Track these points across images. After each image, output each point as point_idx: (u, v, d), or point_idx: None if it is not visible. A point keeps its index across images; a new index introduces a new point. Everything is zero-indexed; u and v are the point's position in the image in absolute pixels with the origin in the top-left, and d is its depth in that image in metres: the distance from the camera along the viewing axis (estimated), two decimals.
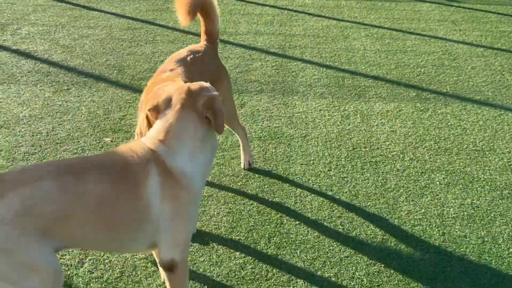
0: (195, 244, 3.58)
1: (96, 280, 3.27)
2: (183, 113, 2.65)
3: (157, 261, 2.80)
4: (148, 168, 2.54)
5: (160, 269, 3.05)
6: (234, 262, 3.44)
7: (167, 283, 2.79)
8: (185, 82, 3.36)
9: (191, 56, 3.67)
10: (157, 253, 2.77)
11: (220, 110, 2.65)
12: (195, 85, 2.75)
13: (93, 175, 2.45)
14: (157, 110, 2.74)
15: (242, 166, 4.42)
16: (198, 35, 7.46)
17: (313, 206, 3.96)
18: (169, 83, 3.15)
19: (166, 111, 2.70)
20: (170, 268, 2.73)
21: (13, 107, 5.27)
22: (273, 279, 3.31)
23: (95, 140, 4.74)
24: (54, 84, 5.77)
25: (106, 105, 5.33)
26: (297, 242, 3.62)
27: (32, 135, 4.79)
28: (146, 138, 2.70)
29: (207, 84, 2.79)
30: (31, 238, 2.30)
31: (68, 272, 3.30)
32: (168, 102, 2.71)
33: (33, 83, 5.79)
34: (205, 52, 3.89)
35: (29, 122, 5.00)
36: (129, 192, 2.51)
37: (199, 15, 3.96)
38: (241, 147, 4.42)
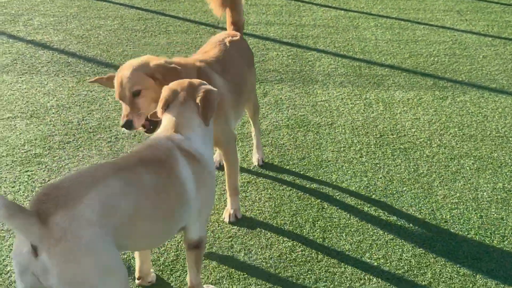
0: (243, 228, 3.66)
1: (153, 263, 3.33)
2: (187, 105, 2.84)
3: (185, 242, 2.88)
4: (174, 154, 2.65)
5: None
6: (283, 245, 3.52)
7: (190, 260, 2.91)
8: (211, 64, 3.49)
9: (229, 39, 3.77)
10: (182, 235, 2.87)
11: (210, 102, 2.82)
12: (195, 80, 2.94)
13: (142, 168, 2.52)
14: (166, 104, 2.89)
15: (256, 163, 4.39)
16: (210, 25, 7.55)
17: (350, 191, 4.05)
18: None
19: (171, 105, 2.86)
20: (197, 245, 2.87)
21: (39, 97, 5.29)
22: (323, 261, 3.40)
23: None
24: (75, 74, 5.79)
25: None
26: (341, 225, 3.71)
27: (64, 124, 4.82)
28: (159, 132, 2.82)
29: (204, 82, 2.97)
30: (111, 238, 2.32)
31: (124, 256, 3.36)
32: (174, 94, 2.88)
33: (55, 73, 5.81)
34: (241, 39, 3.98)
35: (58, 112, 5.03)
36: (171, 178, 2.61)
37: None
38: (254, 144, 4.41)
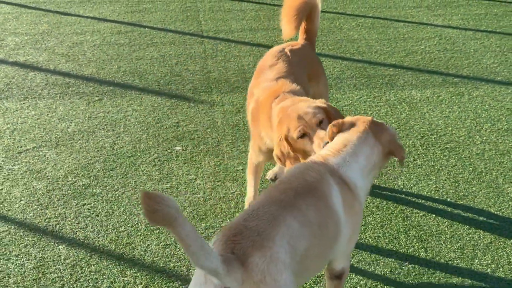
0: None
1: None
2: (365, 134, 2.72)
3: (327, 271, 2.75)
4: (327, 180, 2.51)
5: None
6: (389, 259, 3.42)
7: None
8: (286, 78, 3.35)
9: (290, 48, 3.62)
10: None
11: (403, 148, 2.76)
12: (378, 121, 2.82)
13: (304, 203, 2.38)
14: (339, 128, 2.72)
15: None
16: (196, 35, 7.31)
17: (424, 196, 4.02)
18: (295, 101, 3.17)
19: (350, 130, 2.74)
20: (340, 276, 2.75)
21: (55, 123, 4.92)
22: (437, 273, 3.32)
23: (166, 149, 4.54)
24: (82, 95, 5.45)
25: (151, 114, 5.09)
26: (435, 233, 3.65)
27: (98, 151, 4.51)
28: (323, 151, 2.68)
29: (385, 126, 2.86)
30: (294, 281, 2.22)
31: None
32: (351, 125, 2.76)
33: (59, 96, 5.44)
34: (303, 47, 3.85)
35: (84, 138, 4.70)
36: (328, 209, 2.48)
37: None
38: None
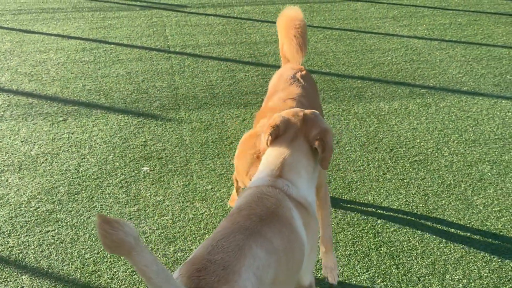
0: None
1: None
2: (297, 145, 2.61)
3: None
4: (288, 206, 2.47)
5: None
6: (361, 278, 3.38)
7: None
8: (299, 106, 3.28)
9: (299, 73, 3.56)
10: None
11: (331, 146, 2.60)
12: (311, 115, 2.69)
13: (269, 230, 2.31)
14: (276, 134, 2.65)
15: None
16: (162, 50, 7.23)
17: (394, 210, 3.99)
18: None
19: (280, 140, 2.62)
20: None
21: (18, 146, 4.81)
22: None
23: (133, 170, 4.45)
24: (45, 116, 5.33)
25: (118, 133, 5.00)
26: (406, 249, 3.63)
27: (62, 173, 4.40)
28: (263, 173, 2.59)
29: (319, 115, 2.75)
30: None
31: None
32: (286, 126, 2.64)
33: (21, 117, 5.31)
34: (307, 71, 3.78)
35: (47, 160, 4.59)
36: (292, 233, 2.43)
37: (284, 39, 3.85)
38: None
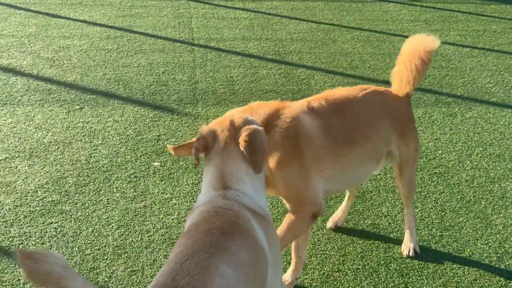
0: (307, 279, 3.34)
1: None
2: (229, 152, 2.42)
3: None
4: (246, 216, 2.30)
5: None
6: None
7: None
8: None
9: (372, 89, 3.32)
10: None
11: (258, 145, 2.39)
12: (239, 118, 2.51)
13: (233, 244, 2.16)
14: (204, 148, 2.47)
15: (407, 253, 3.60)
16: (186, 42, 7.13)
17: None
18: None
19: (211, 152, 2.45)
20: None
21: (31, 132, 4.74)
22: None
23: (144, 165, 4.36)
24: (62, 103, 5.26)
25: (132, 125, 4.91)
26: (417, 267, 3.47)
27: (72, 164, 4.33)
28: (207, 189, 2.42)
29: (251, 117, 2.56)
30: None
31: None
32: (213, 136, 2.47)
33: (38, 103, 5.25)
34: (396, 98, 3.40)
35: (59, 149, 4.52)
36: (255, 245, 2.27)
37: (403, 61, 3.50)
38: (408, 230, 3.63)
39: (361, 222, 3.85)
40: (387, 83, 6.07)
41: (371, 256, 3.54)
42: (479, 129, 5.20)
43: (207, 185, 2.42)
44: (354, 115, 3.11)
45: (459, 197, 4.16)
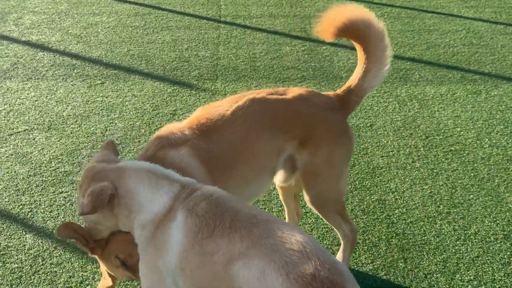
0: None
1: None
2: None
3: None
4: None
5: None
6: (364, 268, 3.22)
7: None
8: None
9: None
10: None
11: (92, 192, 2.27)
12: (91, 169, 2.43)
13: None
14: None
15: None
16: (213, 19, 7.14)
17: (415, 202, 3.78)
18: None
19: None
20: None
21: (52, 106, 4.85)
22: (412, 286, 3.10)
23: None
24: (85, 78, 5.35)
25: (150, 100, 4.97)
26: (419, 243, 3.43)
27: (87, 136, 4.41)
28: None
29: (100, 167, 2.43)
30: None
31: None
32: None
33: (62, 77, 5.35)
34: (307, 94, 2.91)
35: (77, 122, 4.61)
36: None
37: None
38: (340, 253, 3.20)
39: (367, 198, 3.83)
40: (414, 60, 5.98)
41: (372, 231, 3.52)
42: (503, 107, 5.07)
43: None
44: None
45: (472, 174, 4.08)
